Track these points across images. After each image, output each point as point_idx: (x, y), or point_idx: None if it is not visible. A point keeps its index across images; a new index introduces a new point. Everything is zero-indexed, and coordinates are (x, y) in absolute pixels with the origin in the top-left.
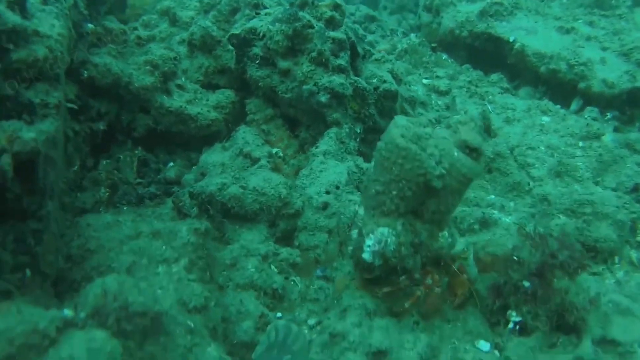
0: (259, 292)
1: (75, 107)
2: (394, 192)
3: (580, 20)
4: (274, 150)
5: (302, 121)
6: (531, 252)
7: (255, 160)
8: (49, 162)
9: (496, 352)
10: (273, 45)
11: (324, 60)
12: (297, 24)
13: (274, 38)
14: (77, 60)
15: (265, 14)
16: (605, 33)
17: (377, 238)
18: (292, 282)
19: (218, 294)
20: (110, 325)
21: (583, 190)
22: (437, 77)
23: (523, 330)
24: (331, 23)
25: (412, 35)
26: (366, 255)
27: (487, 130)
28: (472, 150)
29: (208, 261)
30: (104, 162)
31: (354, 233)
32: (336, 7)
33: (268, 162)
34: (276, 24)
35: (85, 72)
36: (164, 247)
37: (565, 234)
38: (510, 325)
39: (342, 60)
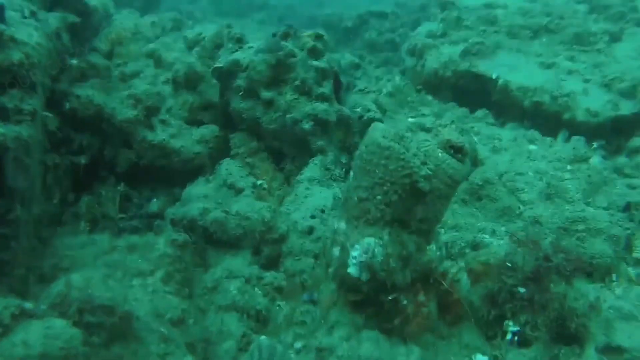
0: (242, 314)
1: (51, 114)
2: (379, 197)
3: (561, 56)
4: (259, 182)
5: (287, 153)
6: (525, 258)
7: (239, 191)
8: (20, 166)
9: None
10: (256, 75)
11: (307, 88)
12: (279, 54)
13: (257, 68)
14: (60, 92)
15: (249, 47)
16: (585, 66)
17: (364, 248)
18: (277, 307)
19: (197, 313)
20: (71, 315)
21: (574, 209)
22: (423, 114)
23: (522, 341)
24: (314, 53)
25: (397, 77)
26: (352, 270)
27: (474, 161)
28: (456, 151)
29: (187, 277)
30: (86, 198)
31: (336, 251)
32: (318, 37)
33: (252, 192)
34: (259, 54)
35: (68, 103)
36: (139, 260)
37: (558, 238)
38: (509, 336)
39: (326, 89)
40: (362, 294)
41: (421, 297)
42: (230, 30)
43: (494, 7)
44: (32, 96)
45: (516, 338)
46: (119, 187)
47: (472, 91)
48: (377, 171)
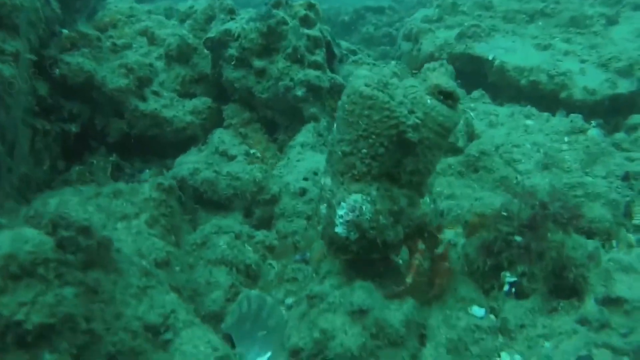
0: (231, 268)
1: (35, 57)
2: (364, 151)
3: (557, 38)
4: (252, 151)
5: (280, 123)
6: (520, 206)
7: (231, 158)
8: (1, 101)
9: (492, 316)
10: (248, 43)
11: (299, 56)
12: (271, 21)
13: (249, 36)
14: (49, 58)
15: (241, 18)
16: (582, 48)
17: (350, 206)
18: (268, 265)
19: (184, 264)
20: (43, 226)
21: (572, 176)
22: None
23: (519, 293)
24: (306, 22)
25: (392, 62)
26: (339, 229)
27: (470, 136)
28: (446, 96)
29: (174, 224)
30: (77, 167)
31: (323, 208)
32: (310, 6)
33: (245, 159)
34: (250, 22)
35: (58, 70)
36: (124, 204)
37: (555, 189)
38: (505, 287)
39: (318, 57)
40: (352, 254)
41: (417, 256)
42: (222, 2)
43: None
44: (14, 38)
45: (513, 290)
46: (110, 157)
47: (468, 73)
48: (360, 123)
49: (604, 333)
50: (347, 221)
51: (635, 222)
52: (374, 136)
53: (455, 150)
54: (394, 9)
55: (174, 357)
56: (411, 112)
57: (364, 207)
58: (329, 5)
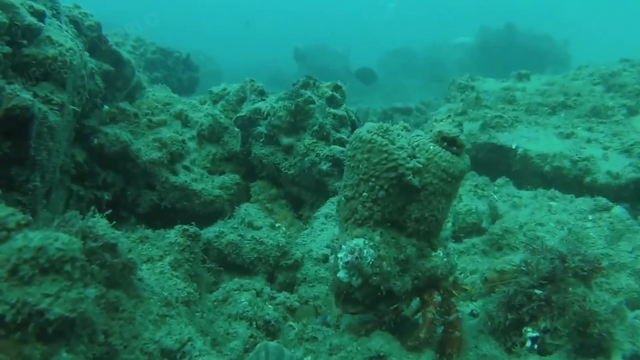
0: (251, 323)
1: (78, 109)
2: (365, 194)
3: (579, 127)
4: (277, 224)
5: (305, 200)
6: (540, 261)
7: (257, 228)
8: (43, 141)
9: None
10: (276, 121)
11: (325, 133)
12: (299, 100)
13: (277, 114)
14: (89, 128)
15: (270, 99)
16: (604, 135)
17: (350, 248)
18: (289, 326)
19: (203, 310)
20: (74, 233)
21: (597, 248)
22: None
23: (543, 351)
24: (332, 102)
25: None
26: (341, 274)
27: (494, 218)
28: (450, 143)
29: (196, 272)
30: None
31: (331, 259)
32: (336, 88)
33: (270, 230)
34: (279, 101)
35: (96, 139)
36: (149, 248)
37: (574, 244)
38: (528, 343)
39: (343, 135)
40: (359, 305)
41: (431, 309)
42: (253, 84)
43: (513, 90)
44: (61, 92)
45: (536, 346)
46: (138, 227)
47: (492, 163)
48: (360, 166)
49: None
50: (346, 263)
51: None
52: (373, 179)
53: (479, 231)
54: (421, 110)
55: None
56: (412, 156)
57: (365, 251)
58: (357, 108)
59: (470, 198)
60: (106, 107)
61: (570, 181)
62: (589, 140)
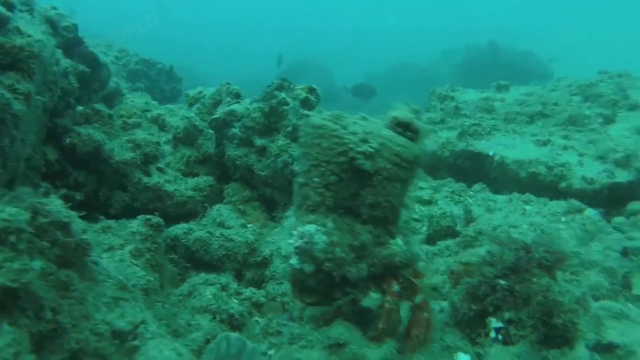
0: (214, 316)
1: (48, 105)
2: (316, 179)
3: (556, 135)
4: (249, 225)
5: (278, 201)
6: (504, 251)
7: (228, 228)
8: (5, 126)
9: None
10: (250, 122)
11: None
12: (272, 101)
13: (252, 115)
14: (61, 127)
15: (245, 101)
16: (580, 143)
17: (299, 233)
18: (255, 322)
19: (165, 301)
20: (23, 207)
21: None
22: (421, 188)
23: (507, 342)
24: (306, 104)
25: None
26: (293, 260)
27: (469, 221)
28: (405, 128)
29: (158, 263)
30: None
31: (287, 247)
32: (311, 90)
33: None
34: (253, 103)
35: (68, 139)
36: (111, 237)
37: (540, 236)
38: (492, 334)
39: None
40: (314, 294)
41: (388, 299)
42: (229, 86)
43: (492, 100)
44: (28, 82)
45: (500, 336)
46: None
47: (469, 170)
48: (312, 152)
49: None
50: (297, 248)
51: (635, 292)
52: (324, 164)
53: (454, 234)
54: None
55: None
56: (365, 141)
57: (316, 236)
58: None
59: (447, 203)
60: (80, 107)
61: (546, 187)
62: (565, 148)
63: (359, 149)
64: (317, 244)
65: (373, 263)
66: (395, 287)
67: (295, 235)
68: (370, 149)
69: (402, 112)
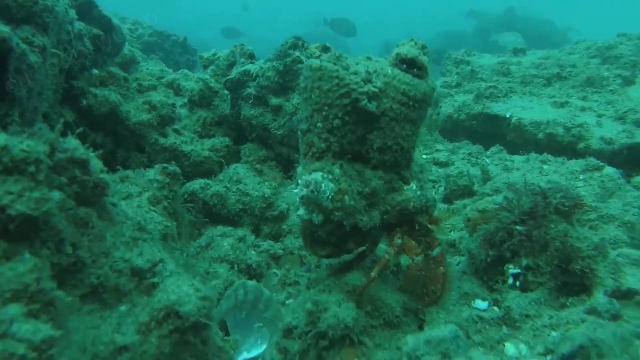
0: (232, 266)
1: (64, 64)
2: (319, 125)
3: (574, 97)
4: (266, 184)
5: (294, 161)
6: (521, 197)
7: (245, 185)
8: (22, 76)
9: (495, 308)
10: (265, 82)
11: None
12: (287, 60)
13: (266, 74)
14: (78, 89)
15: (259, 61)
16: (598, 104)
17: (305, 182)
18: (273, 274)
19: (184, 249)
20: (42, 141)
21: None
22: (437, 150)
23: (525, 289)
24: None
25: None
26: (301, 211)
27: (486, 181)
28: (410, 65)
29: (176, 211)
30: None
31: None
32: (325, 49)
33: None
34: (267, 62)
35: (85, 100)
36: (129, 186)
37: (557, 183)
38: (510, 280)
39: None
40: (329, 247)
41: (389, 250)
42: (243, 47)
43: (508, 64)
44: (43, 36)
45: (517, 283)
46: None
47: (486, 133)
48: (312, 96)
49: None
50: (302, 197)
51: None
52: (326, 107)
53: (471, 193)
54: None
55: (156, 294)
56: (368, 81)
57: (323, 184)
58: None
59: (464, 165)
60: (96, 71)
61: (564, 148)
62: (583, 109)
63: (361, 90)
64: (325, 192)
65: (386, 210)
66: (397, 240)
67: (301, 184)
68: (374, 89)
69: (406, 48)
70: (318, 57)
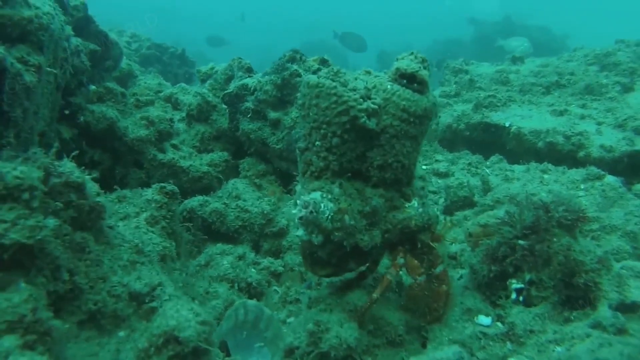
0: (232, 285)
1: (61, 82)
2: (318, 143)
3: (573, 105)
4: (266, 199)
5: (294, 174)
6: (523, 211)
7: (244, 201)
8: (17, 96)
9: (499, 324)
10: (263, 95)
11: None
12: (285, 73)
13: (264, 88)
14: (75, 105)
15: (257, 75)
16: (598, 112)
17: (304, 202)
18: (273, 291)
19: (183, 269)
20: (36, 166)
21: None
22: (437, 161)
23: (529, 303)
24: None
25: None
26: (300, 232)
27: (486, 192)
28: (410, 80)
29: (174, 230)
30: None
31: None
32: (323, 62)
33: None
34: (265, 76)
35: (82, 117)
36: (127, 206)
37: (558, 195)
38: (513, 295)
39: None
40: (329, 267)
41: (391, 271)
42: (240, 61)
43: (507, 72)
44: (38, 54)
45: (521, 298)
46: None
47: (486, 143)
48: (310, 114)
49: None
50: (301, 218)
51: None
52: (325, 125)
53: (471, 204)
54: None
55: (155, 320)
56: (367, 97)
57: (322, 205)
58: None
59: (464, 175)
60: (93, 87)
61: (564, 156)
62: (582, 117)
63: (360, 107)
64: (324, 212)
65: (387, 229)
66: (400, 259)
67: (299, 204)
68: (373, 106)
69: (406, 62)
70: (316, 71)
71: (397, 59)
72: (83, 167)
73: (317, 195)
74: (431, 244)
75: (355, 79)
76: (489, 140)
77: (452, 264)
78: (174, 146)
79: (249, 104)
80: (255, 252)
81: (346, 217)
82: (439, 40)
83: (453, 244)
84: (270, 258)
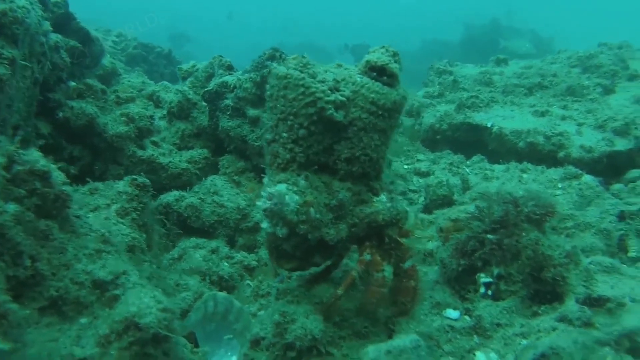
0: (204, 278)
1: (38, 76)
2: (285, 135)
3: (555, 106)
4: (242, 195)
5: None
6: (492, 205)
7: (220, 197)
8: None
9: (467, 317)
10: (242, 93)
11: None
12: (264, 71)
13: (244, 86)
14: (54, 101)
15: (237, 73)
16: (579, 113)
17: (268, 194)
18: (246, 285)
19: (154, 261)
20: None
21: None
22: (419, 160)
23: (497, 298)
24: None
25: None
26: (264, 224)
27: (466, 190)
28: (380, 73)
29: (145, 223)
30: None
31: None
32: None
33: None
34: (245, 74)
35: (61, 113)
36: (98, 198)
37: (529, 191)
38: (481, 289)
39: None
40: (295, 261)
41: (356, 266)
42: (221, 59)
43: (491, 73)
44: (12, 48)
45: (489, 292)
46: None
47: (468, 142)
48: (278, 105)
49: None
50: (265, 210)
51: (631, 254)
52: (291, 117)
53: (450, 203)
54: None
55: (117, 307)
56: (335, 89)
57: (287, 197)
58: None
59: (445, 175)
60: (73, 83)
61: (545, 156)
62: (563, 118)
63: (328, 98)
64: (289, 204)
65: (354, 223)
66: (367, 256)
67: (264, 196)
68: (341, 98)
69: (376, 55)
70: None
71: (369, 52)
72: (63, 163)
73: (282, 187)
74: (399, 239)
75: (325, 71)
76: (471, 140)
77: (429, 260)
78: (154, 143)
79: (228, 102)
80: (230, 247)
81: (312, 210)
82: (427, 40)
83: (430, 241)
84: (244, 252)
